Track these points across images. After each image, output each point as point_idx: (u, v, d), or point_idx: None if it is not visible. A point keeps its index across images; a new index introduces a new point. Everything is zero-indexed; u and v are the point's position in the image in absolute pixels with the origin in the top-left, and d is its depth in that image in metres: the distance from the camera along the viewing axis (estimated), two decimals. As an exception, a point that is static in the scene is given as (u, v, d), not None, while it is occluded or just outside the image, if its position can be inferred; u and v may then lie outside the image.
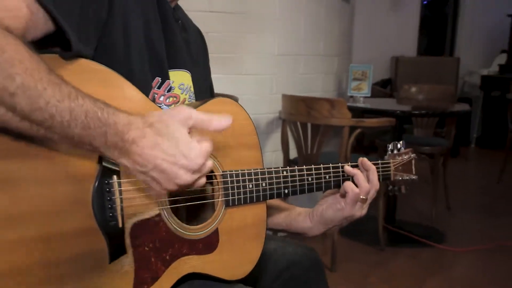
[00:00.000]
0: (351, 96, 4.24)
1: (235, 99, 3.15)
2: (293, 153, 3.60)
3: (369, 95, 4.25)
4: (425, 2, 9.43)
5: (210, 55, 1.45)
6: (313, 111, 3.28)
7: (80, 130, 0.82)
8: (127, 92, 1.00)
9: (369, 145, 5.39)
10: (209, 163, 0.93)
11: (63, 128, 0.81)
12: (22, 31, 0.83)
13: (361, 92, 4.22)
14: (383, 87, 7.19)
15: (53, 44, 0.92)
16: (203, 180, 0.94)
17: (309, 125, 3.37)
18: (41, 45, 0.90)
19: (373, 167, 1.32)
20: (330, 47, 4.32)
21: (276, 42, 3.86)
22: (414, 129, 4.95)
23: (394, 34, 7.82)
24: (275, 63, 3.88)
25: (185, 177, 0.90)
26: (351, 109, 3.28)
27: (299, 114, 3.36)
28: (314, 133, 3.36)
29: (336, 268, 3.28)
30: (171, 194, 1.02)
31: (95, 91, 0.87)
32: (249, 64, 3.73)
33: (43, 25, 0.88)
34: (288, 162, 3.59)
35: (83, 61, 0.94)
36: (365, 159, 1.33)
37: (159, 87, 1.13)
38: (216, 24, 2.96)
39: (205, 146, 0.91)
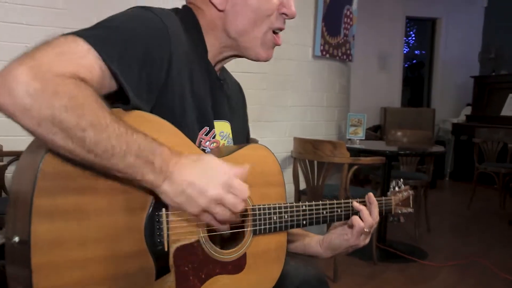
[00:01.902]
0: (349, 139, 4.22)
1: (255, 141, 3.19)
2: (302, 185, 3.57)
3: (363, 138, 4.24)
4: (406, 65, 9.51)
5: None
6: (318, 151, 3.29)
7: (134, 159, 0.81)
8: (176, 139, 0.98)
9: (364, 179, 5.39)
10: (237, 182, 0.90)
11: (120, 157, 0.80)
12: (93, 83, 0.82)
13: (357, 136, 4.21)
14: (375, 132, 7.20)
15: (114, 100, 0.90)
16: (232, 198, 0.89)
17: (315, 162, 3.36)
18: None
19: (376, 202, 1.27)
20: (332, 100, 4.32)
21: (289, 95, 3.89)
22: (401, 165, 4.97)
23: (383, 89, 7.90)
24: (288, 113, 3.90)
25: (215, 191, 0.87)
26: (349, 149, 3.29)
27: (307, 153, 3.37)
28: (319, 169, 3.35)
29: (338, 279, 3.24)
30: (208, 225, 0.99)
31: (153, 136, 0.87)
32: (268, 113, 3.75)
33: (108, 83, 0.87)
34: (298, 192, 3.57)
35: (138, 112, 0.92)
36: (371, 194, 1.28)
37: (206, 134, 1.11)
38: (243, 82, 2.99)
39: (235, 168, 0.91)
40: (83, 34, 0.84)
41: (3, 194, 3.08)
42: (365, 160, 3.43)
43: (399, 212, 1.40)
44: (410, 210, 1.42)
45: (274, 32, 1.15)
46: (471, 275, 3.47)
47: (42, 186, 0.79)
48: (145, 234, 0.91)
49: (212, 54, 1.15)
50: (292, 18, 1.15)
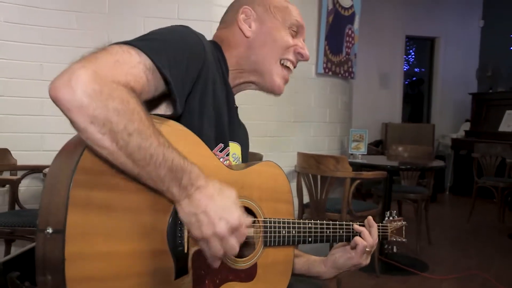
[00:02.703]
0: (351, 154, 4.21)
1: (259, 156, 3.20)
2: (306, 199, 3.56)
3: (365, 153, 4.23)
4: (406, 82, 9.51)
5: (243, 121, 1.41)
6: (321, 165, 3.29)
7: (166, 171, 0.85)
8: (201, 150, 1.02)
9: (366, 193, 5.36)
10: (245, 230, 0.93)
11: (155, 167, 0.84)
12: (139, 92, 0.87)
13: (359, 151, 4.21)
14: (376, 147, 7.17)
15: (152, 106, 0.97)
16: (234, 242, 0.91)
17: (318, 177, 3.36)
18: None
19: (375, 225, 1.32)
20: (334, 116, 4.32)
21: (293, 111, 3.89)
22: (402, 180, 4.95)
23: (384, 105, 7.90)
24: (292, 128, 3.90)
25: (223, 228, 0.88)
26: (351, 164, 3.30)
27: (311, 168, 3.37)
28: (322, 183, 3.34)
29: (341, 291, 3.20)
30: None
31: (179, 144, 0.90)
32: (273, 128, 3.75)
33: (152, 91, 0.92)
34: (302, 205, 3.56)
35: (172, 123, 0.97)
36: (371, 218, 1.33)
37: (221, 151, 1.13)
38: (247, 98, 3.00)
39: (247, 219, 0.93)
40: (137, 44, 0.89)
41: (17, 207, 3.08)
42: (367, 174, 3.43)
43: (394, 240, 1.45)
44: (403, 240, 1.47)
45: (286, 66, 1.24)
46: (471, 287, 3.43)
47: (79, 179, 0.81)
48: (167, 235, 0.92)
49: (231, 78, 1.21)
50: (306, 60, 1.28)
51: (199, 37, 1.05)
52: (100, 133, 0.78)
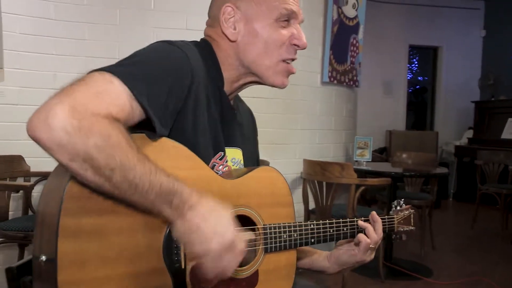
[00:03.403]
0: (356, 161, 4.19)
1: (266, 163, 3.20)
2: (311, 205, 3.54)
3: (370, 160, 4.21)
4: (410, 90, 9.48)
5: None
6: (327, 172, 3.27)
7: (154, 196, 0.82)
8: (193, 163, 1.00)
9: (370, 199, 5.32)
10: (242, 245, 0.90)
11: (142, 194, 0.81)
12: (124, 121, 0.84)
13: (364, 158, 4.18)
14: (380, 154, 7.14)
15: (142, 125, 0.92)
16: (228, 262, 0.88)
17: (324, 183, 3.34)
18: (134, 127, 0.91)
19: (380, 220, 1.27)
20: (339, 123, 4.31)
21: (299, 119, 3.89)
22: (406, 186, 4.92)
23: (388, 113, 7.87)
24: (298, 136, 3.89)
25: (216, 246, 0.85)
26: (356, 171, 3.27)
27: (316, 174, 3.35)
28: (328, 189, 3.33)
29: (346, 296, 3.18)
30: None
31: (170, 161, 0.89)
32: (279, 136, 3.75)
33: (138, 116, 0.88)
34: (308, 211, 3.54)
35: (163, 139, 0.94)
36: (375, 213, 1.28)
37: (221, 159, 1.10)
38: (254, 106, 3.00)
39: (243, 235, 0.91)
40: (115, 71, 0.85)
41: (30, 212, 3.09)
42: (372, 181, 3.40)
43: (401, 230, 1.39)
44: (411, 228, 1.41)
45: (287, 62, 1.14)
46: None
47: (68, 207, 0.79)
48: (163, 253, 0.90)
49: (229, 82, 1.15)
50: (303, 49, 1.14)
51: (184, 51, 1.00)
52: (83, 170, 0.77)
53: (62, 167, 0.84)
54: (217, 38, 1.13)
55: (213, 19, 1.15)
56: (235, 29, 1.10)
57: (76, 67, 3.16)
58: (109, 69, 0.85)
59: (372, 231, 1.24)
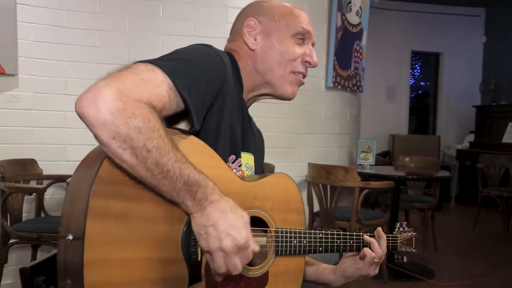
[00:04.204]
0: (360, 164, 4.18)
1: (272, 167, 3.20)
2: (316, 207, 3.53)
3: (373, 163, 4.20)
4: (412, 95, 9.46)
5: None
6: (331, 175, 3.27)
7: (182, 184, 0.85)
8: (216, 162, 1.02)
9: (374, 202, 5.31)
10: (252, 250, 0.91)
11: (171, 181, 0.84)
12: (160, 110, 0.87)
13: (367, 161, 4.18)
14: (384, 157, 7.12)
15: (175, 120, 0.97)
16: (244, 254, 0.91)
17: (328, 186, 3.33)
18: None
19: (385, 236, 1.29)
20: (343, 128, 4.30)
21: (304, 123, 3.88)
22: (408, 189, 4.90)
23: (391, 118, 7.85)
24: (303, 140, 3.89)
25: (229, 244, 0.87)
26: (360, 174, 3.29)
27: (321, 178, 3.35)
28: (332, 192, 3.32)
29: (350, 297, 3.15)
30: None
31: (196, 157, 0.91)
32: (284, 140, 3.75)
33: (174, 108, 0.92)
34: (312, 214, 3.53)
35: (190, 137, 0.98)
36: (380, 229, 1.30)
37: (233, 162, 1.12)
38: (261, 111, 3.02)
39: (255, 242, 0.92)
40: (160, 64, 0.89)
41: (42, 214, 3.11)
42: (375, 184, 3.40)
43: (404, 250, 1.42)
44: (413, 250, 1.44)
45: (297, 74, 1.21)
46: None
47: (98, 189, 0.81)
48: (182, 244, 0.92)
49: (246, 92, 1.20)
50: (314, 67, 1.23)
51: (219, 54, 1.05)
52: (121, 148, 0.80)
53: (93, 155, 0.88)
54: (238, 49, 1.20)
55: (235, 34, 1.22)
56: (255, 40, 1.18)
57: (87, 73, 3.18)
58: (153, 61, 0.90)
59: (377, 246, 1.25)
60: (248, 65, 1.19)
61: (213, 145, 1.02)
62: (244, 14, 1.22)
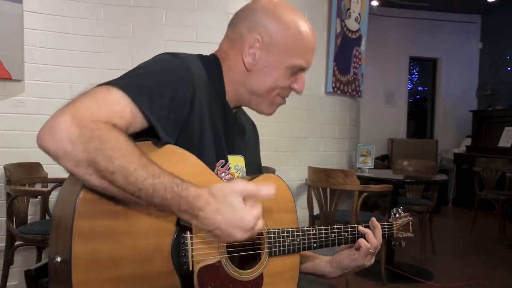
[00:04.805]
0: (359, 168, 4.17)
1: (272, 170, 3.19)
2: (316, 211, 3.52)
3: (372, 167, 4.19)
4: (410, 100, 9.45)
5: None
6: (331, 179, 3.26)
7: (160, 201, 0.81)
8: (199, 169, 0.99)
9: (373, 205, 5.29)
10: (260, 223, 0.89)
11: (147, 198, 0.81)
12: (125, 127, 0.84)
13: (366, 165, 4.16)
14: (382, 161, 7.11)
15: (148, 134, 0.92)
16: (254, 233, 0.89)
17: (328, 190, 3.32)
18: (140, 135, 0.91)
19: (379, 225, 1.27)
20: (343, 132, 4.29)
21: (304, 127, 3.88)
22: (407, 192, 4.89)
23: (390, 122, 7.85)
24: (303, 144, 3.88)
25: (240, 235, 0.86)
26: (359, 177, 3.26)
27: (321, 181, 3.33)
28: (332, 196, 3.30)
29: (350, 298, 3.15)
30: (228, 245, 0.99)
31: (176, 168, 0.86)
32: (285, 144, 3.75)
33: (140, 123, 0.88)
34: (312, 217, 3.52)
35: (169, 146, 0.94)
36: (374, 219, 1.27)
37: (222, 166, 1.10)
38: (261, 116, 3.02)
39: (257, 210, 0.87)
40: (117, 83, 0.86)
41: (47, 217, 3.10)
42: (374, 187, 3.39)
43: (400, 236, 1.39)
44: (410, 234, 1.40)
45: (281, 96, 1.17)
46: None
47: (81, 210, 0.80)
48: (171, 255, 0.90)
49: (229, 98, 1.15)
50: (299, 93, 1.19)
51: (187, 63, 1.01)
52: (87, 174, 0.78)
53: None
54: (231, 59, 1.13)
55: (237, 36, 1.12)
56: (254, 59, 1.10)
57: (91, 78, 3.18)
58: (111, 82, 0.87)
59: (372, 237, 1.24)
60: (236, 78, 1.13)
61: (199, 153, 1.00)
62: (252, 20, 1.10)
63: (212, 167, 1.06)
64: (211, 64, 1.12)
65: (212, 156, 1.06)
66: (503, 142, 6.64)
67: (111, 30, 3.29)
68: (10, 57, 2.98)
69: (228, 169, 1.12)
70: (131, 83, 0.89)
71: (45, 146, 0.77)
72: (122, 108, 0.84)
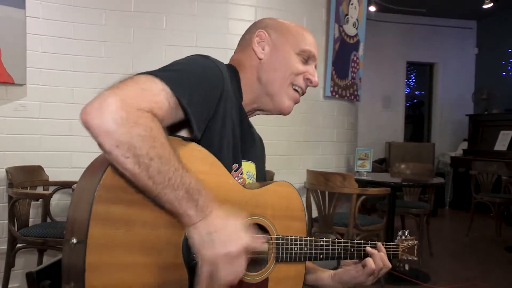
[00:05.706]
0: (357, 171, 4.17)
1: (271, 173, 3.19)
2: (314, 213, 3.52)
3: (370, 170, 4.19)
4: (407, 104, 9.47)
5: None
6: (329, 182, 3.26)
7: (184, 193, 0.83)
8: (218, 170, 1.01)
9: (371, 208, 5.28)
10: (258, 245, 0.92)
11: (173, 189, 0.82)
12: (161, 118, 0.86)
13: (364, 168, 4.16)
14: (380, 164, 7.11)
15: (177, 129, 0.97)
16: (243, 262, 0.89)
17: (326, 193, 3.31)
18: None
19: (385, 251, 1.27)
20: (341, 135, 4.29)
21: (302, 131, 3.88)
22: (404, 195, 4.89)
23: (387, 126, 7.86)
24: (301, 147, 3.88)
25: (235, 248, 0.86)
26: (357, 181, 3.26)
27: (319, 184, 3.34)
28: (330, 199, 3.30)
29: (348, 300, 3.13)
30: None
31: (197, 165, 0.92)
32: (284, 147, 3.74)
33: (174, 117, 0.91)
34: (311, 220, 3.51)
35: (191, 144, 0.97)
36: (381, 245, 1.28)
37: (235, 170, 1.11)
38: (260, 120, 3.02)
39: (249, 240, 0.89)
40: (159, 74, 0.89)
41: (48, 219, 3.10)
42: (372, 190, 3.38)
43: (405, 258, 1.39)
44: (414, 258, 1.41)
45: (296, 90, 1.22)
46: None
47: (101, 195, 0.81)
48: (182, 250, 0.91)
49: (245, 104, 1.19)
50: (315, 86, 1.25)
51: (217, 65, 1.05)
52: (124, 157, 0.79)
53: (98, 162, 0.87)
54: (244, 59, 1.21)
55: (244, 45, 1.23)
56: (263, 49, 1.20)
57: (93, 83, 3.18)
58: (153, 72, 0.89)
59: (379, 259, 1.24)
60: (251, 77, 1.19)
61: (217, 153, 1.01)
62: (254, 27, 1.24)
63: (229, 169, 1.07)
64: (230, 68, 1.17)
65: (229, 158, 1.07)
66: (499, 146, 6.65)
67: (112, 35, 3.30)
68: (12, 62, 2.98)
69: (241, 174, 1.13)
70: (172, 76, 0.90)
71: (88, 121, 0.78)
72: (162, 99, 0.86)
